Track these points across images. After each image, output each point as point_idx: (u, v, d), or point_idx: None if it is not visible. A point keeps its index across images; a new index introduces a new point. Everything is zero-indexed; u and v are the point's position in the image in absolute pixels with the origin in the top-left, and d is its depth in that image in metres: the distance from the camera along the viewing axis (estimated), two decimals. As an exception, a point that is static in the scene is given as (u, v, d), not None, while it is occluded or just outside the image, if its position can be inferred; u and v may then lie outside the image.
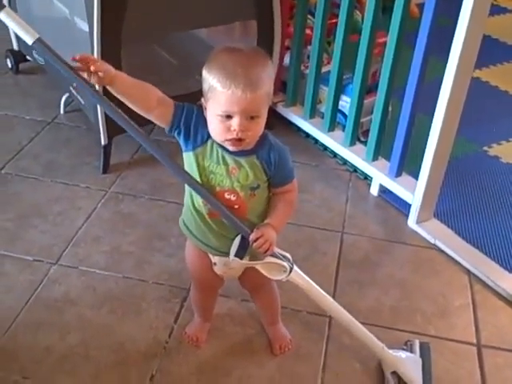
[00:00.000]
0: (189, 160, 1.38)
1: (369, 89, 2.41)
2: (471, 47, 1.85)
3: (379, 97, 2.24)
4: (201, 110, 1.34)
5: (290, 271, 1.46)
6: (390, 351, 1.63)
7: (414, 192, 2.16)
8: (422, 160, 2.09)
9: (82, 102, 2.36)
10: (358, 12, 2.60)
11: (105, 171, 2.32)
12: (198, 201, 1.40)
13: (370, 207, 2.31)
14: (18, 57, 2.88)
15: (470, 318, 1.86)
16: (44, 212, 2.12)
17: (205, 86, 1.29)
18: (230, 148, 1.33)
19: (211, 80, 1.26)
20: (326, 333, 1.77)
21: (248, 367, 1.65)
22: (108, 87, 1.30)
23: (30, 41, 1.27)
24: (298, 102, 2.64)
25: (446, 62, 1.89)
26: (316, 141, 2.57)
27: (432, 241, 2.12)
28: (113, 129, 2.27)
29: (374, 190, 2.35)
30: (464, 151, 2.59)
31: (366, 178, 2.40)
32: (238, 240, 1.40)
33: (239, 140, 1.29)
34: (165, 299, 1.83)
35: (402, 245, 2.13)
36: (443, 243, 2.10)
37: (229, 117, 1.27)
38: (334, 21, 2.43)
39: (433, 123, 2.01)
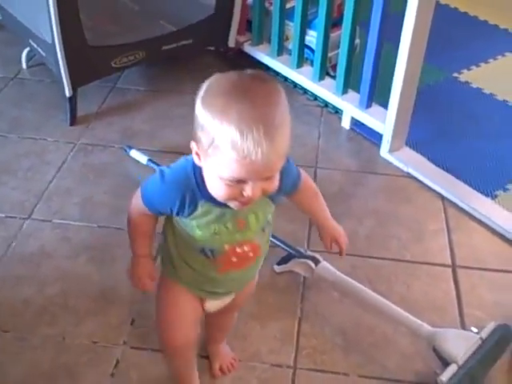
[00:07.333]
0: (189, 224, 1.12)
1: (335, 22, 2.37)
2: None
3: (345, 28, 2.20)
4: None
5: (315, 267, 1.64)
6: (434, 328, 1.51)
7: (384, 122, 2.15)
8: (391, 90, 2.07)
9: (44, 55, 2.30)
10: None
11: (72, 123, 2.28)
12: (201, 263, 1.18)
13: (343, 140, 2.30)
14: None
15: (445, 241, 1.88)
16: (13, 168, 2.09)
17: (201, 135, 0.98)
18: (236, 208, 1.06)
19: (218, 136, 0.95)
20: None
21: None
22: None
23: None
24: (264, 40, 2.59)
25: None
26: (285, 78, 2.53)
27: (405, 169, 2.13)
28: (77, 79, 2.22)
29: (346, 124, 2.34)
30: (435, 78, 2.58)
31: (337, 112, 2.39)
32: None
33: (250, 200, 1.03)
34: (141, 245, 1.82)
35: (375, 175, 2.13)
36: (416, 170, 2.10)
37: (240, 181, 0.99)
38: (295, -47, 2.37)
39: (399, 51, 1.98)
